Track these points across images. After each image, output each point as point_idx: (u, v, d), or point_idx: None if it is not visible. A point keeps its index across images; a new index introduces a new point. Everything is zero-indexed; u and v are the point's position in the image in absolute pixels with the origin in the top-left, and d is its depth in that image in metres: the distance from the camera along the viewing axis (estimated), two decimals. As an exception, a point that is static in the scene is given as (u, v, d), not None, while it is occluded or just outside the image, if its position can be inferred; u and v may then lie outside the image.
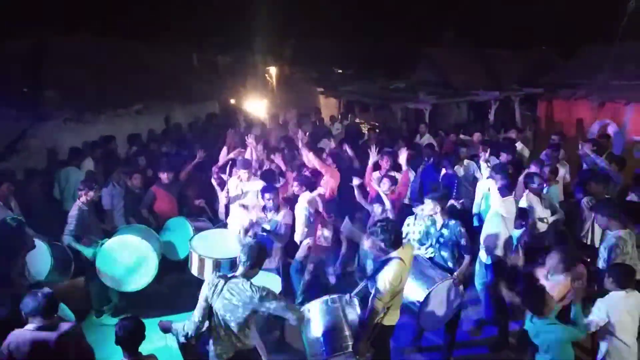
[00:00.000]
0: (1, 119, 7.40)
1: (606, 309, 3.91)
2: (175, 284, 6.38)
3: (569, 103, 11.14)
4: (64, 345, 3.36)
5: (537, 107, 12.27)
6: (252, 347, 3.70)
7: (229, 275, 3.64)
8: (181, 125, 10.50)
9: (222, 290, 3.54)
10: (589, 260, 4.92)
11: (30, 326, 3.37)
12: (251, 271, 3.64)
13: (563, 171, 7.18)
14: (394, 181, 6.21)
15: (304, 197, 6.09)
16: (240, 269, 3.63)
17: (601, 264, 4.62)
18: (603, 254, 4.62)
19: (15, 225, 4.50)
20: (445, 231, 4.93)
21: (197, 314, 3.58)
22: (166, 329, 3.69)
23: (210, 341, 3.61)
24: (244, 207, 6.20)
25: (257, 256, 3.63)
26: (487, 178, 6.00)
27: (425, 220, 5.39)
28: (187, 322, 3.62)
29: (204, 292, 3.59)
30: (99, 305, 5.94)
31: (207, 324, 3.64)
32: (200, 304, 3.58)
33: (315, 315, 4.11)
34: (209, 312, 3.57)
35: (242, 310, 3.50)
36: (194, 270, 5.54)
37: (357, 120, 12.75)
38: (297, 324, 3.74)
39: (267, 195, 5.67)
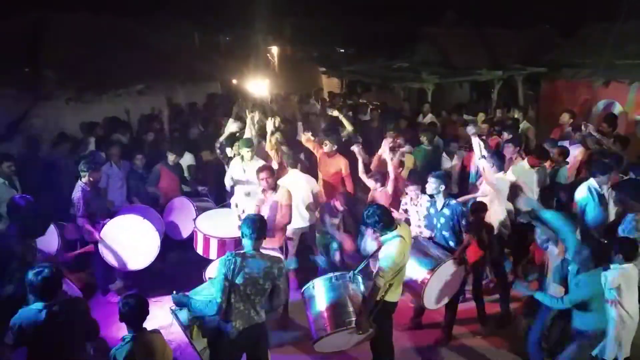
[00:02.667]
0: (2, 98, 7.37)
1: (618, 281, 3.98)
2: (178, 263, 6.46)
3: (572, 82, 11.06)
4: (70, 319, 3.45)
5: (541, 87, 12.18)
6: (264, 321, 3.81)
7: (243, 252, 3.74)
8: (181, 105, 10.50)
9: (241, 265, 3.63)
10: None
11: (38, 304, 3.43)
12: (257, 243, 3.77)
13: (577, 152, 7.05)
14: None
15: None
16: (249, 243, 3.73)
17: None
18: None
19: (27, 204, 4.54)
20: (446, 211, 4.96)
21: (218, 294, 3.59)
22: (181, 303, 3.74)
23: (231, 318, 3.64)
24: (247, 194, 6.19)
25: (259, 227, 3.76)
26: (480, 159, 5.99)
27: (423, 200, 5.46)
28: (206, 302, 3.63)
29: (221, 271, 3.62)
30: (104, 284, 6.02)
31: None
32: (220, 283, 3.60)
33: (320, 292, 4.19)
34: (228, 290, 3.62)
35: (263, 281, 3.66)
36: (199, 250, 5.60)
37: (361, 101, 12.66)
38: (276, 307, 3.94)
39: (261, 175, 5.57)
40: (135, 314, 3.45)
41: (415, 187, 5.62)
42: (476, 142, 5.94)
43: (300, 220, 6.05)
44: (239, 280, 3.62)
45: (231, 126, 7.16)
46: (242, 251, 3.77)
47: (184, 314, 3.80)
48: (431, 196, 5.17)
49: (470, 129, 6.07)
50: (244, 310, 3.66)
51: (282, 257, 5.14)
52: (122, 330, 3.61)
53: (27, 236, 4.30)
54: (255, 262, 3.67)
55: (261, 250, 3.83)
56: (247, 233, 3.72)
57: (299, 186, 6.04)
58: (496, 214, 5.56)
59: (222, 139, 7.13)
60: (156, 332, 3.59)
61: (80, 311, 3.58)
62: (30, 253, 4.28)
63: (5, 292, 3.99)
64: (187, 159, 7.38)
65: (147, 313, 3.52)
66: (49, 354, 3.46)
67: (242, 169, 6.38)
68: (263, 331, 3.84)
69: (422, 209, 5.55)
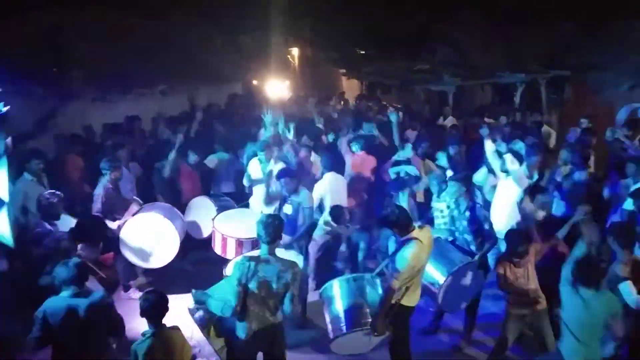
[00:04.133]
0: (30, 98, 7.55)
1: None
2: (199, 261, 6.53)
3: (597, 86, 10.85)
4: (94, 313, 3.52)
5: (564, 90, 11.99)
6: (281, 321, 3.82)
7: (257, 255, 3.74)
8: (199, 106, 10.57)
9: (255, 270, 3.63)
10: None
11: (63, 294, 3.54)
12: (272, 246, 3.74)
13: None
14: None
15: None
16: (264, 246, 3.73)
17: None
18: None
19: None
20: (469, 214, 4.92)
21: (233, 298, 3.62)
22: (200, 301, 3.78)
23: (246, 320, 3.67)
24: (270, 197, 6.21)
25: (274, 230, 3.71)
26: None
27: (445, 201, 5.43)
28: (221, 306, 3.66)
29: (235, 276, 3.65)
30: (126, 280, 6.12)
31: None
32: (235, 288, 3.62)
33: (337, 293, 4.21)
34: (243, 293, 3.64)
35: (276, 285, 3.64)
36: (217, 249, 5.66)
37: (383, 103, 12.62)
38: (288, 314, 3.83)
39: (282, 180, 5.67)
40: (155, 310, 3.51)
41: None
42: (489, 145, 5.93)
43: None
44: (252, 284, 3.63)
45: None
46: (256, 255, 3.77)
47: (201, 313, 3.84)
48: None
49: (485, 131, 6.13)
50: (259, 312, 3.68)
51: (297, 261, 5.15)
52: (143, 327, 3.66)
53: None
54: (269, 266, 3.66)
55: (277, 252, 3.79)
56: (262, 235, 3.70)
57: (333, 189, 6.08)
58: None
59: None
60: (176, 328, 3.64)
61: (104, 305, 3.64)
62: (73, 250, 4.43)
63: (44, 282, 4.11)
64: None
65: (167, 309, 3.57)
66: (72, 347, 3.52)
67: (260, 170, 6.43)
68: (279, 331, 3.85)
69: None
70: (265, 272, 3.64)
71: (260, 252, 3.77)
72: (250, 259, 3.70)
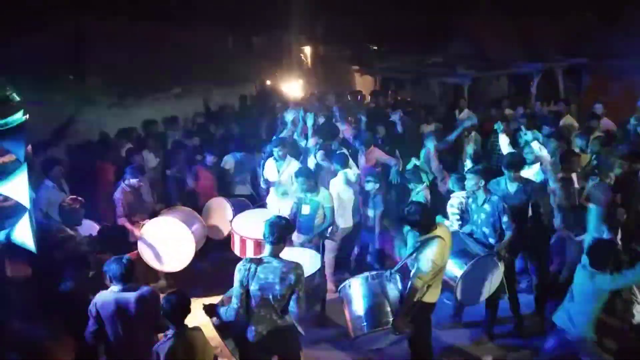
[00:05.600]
0: (48, 105, 7.68)
1: None
2: (218, 263, 6.58)
3: (616, 73, 10.62)
4: (142, 306, 3.69)
5: (582, 79, 11.76)
6: (290, 324, 3.76)
7: (259, 257, 3.71)
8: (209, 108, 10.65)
9: (256, 272, 3.60)
10: None
11: (114, 288, 3.73)
12: (277, 247, 3.68)
13: None
14: None
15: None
16: (267, 248, 3.69)
17: None
18: None
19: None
20: (487, 207, 4.87)
21: (234, 300, 3.64)
22: (211, 313, 3.77)
23: (252, 323, 3.65)
24: (283, 194, 6.23)
25: (280, 231, 3.66)
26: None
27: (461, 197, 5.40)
28: (225, 309, 3.69)
29: (237, 277, 3.65)
30: (145, 283, 6.19)
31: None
32: (237, 290, 3.64)
33: (356, 291, 4.18)
34: (246, 295, 3.64)
35: (279, 287, 3.57)
36: (236, 250, 5.70)
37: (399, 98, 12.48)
38: (296, 317, 3.75)
39: (299, 180, 5.63)
40: (177, 311, 3.55)
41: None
42: (503, 138, 5.90)
43: (343, 221, 6.09)
44: (254, 287, 3.59)
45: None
46: (259, 256, 3.74)
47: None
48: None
49: (499, 126, 6.24)
50: (265, 315, 3.63)
51: (316, 260, 5.17)
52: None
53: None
54: (271, 268, 3.59)
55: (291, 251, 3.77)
56: (267, 236, 3.66)
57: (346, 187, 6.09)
58: None
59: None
60: (197, 329, 3.68)
61: (152, 298, 3.77)
62: (92, 255, 4.54)
63: (64, 287, 4.20)
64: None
65: (189, 310, 3.61)
66: (121, 341, 3.68)
67: (276, 169, 6.45)
68: (290, 335, 3.78)
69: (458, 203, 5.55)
70: (266, 274, 3.59)
71: (264, 253, 3.72)
72: (252, 260, 3.68)
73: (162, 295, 5.49)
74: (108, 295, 3.71)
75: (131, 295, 3.70)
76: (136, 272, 5.94)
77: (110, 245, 5.14)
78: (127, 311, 3.66)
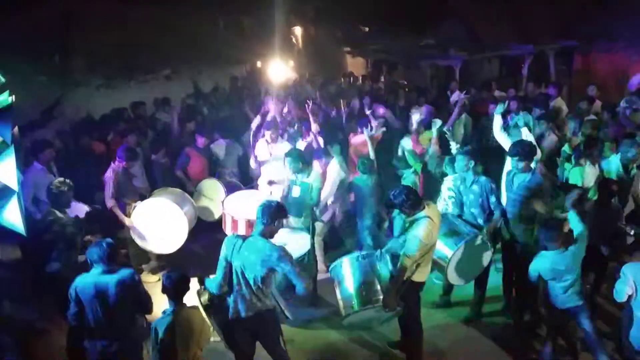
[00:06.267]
0: (35, 86, 7.58)
1: (632, 278, 3.78)
2: (209, 244, 6.56)
3: (607, 55, 10.65)
4: (122, 290, 3.65)
5: (573, 61, 11.78)
6: (271, 307, 3.80)
7: (247, 235, 3.75)
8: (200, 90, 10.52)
9: (240, 248, 3.65)
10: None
11: (94, 271, 3.69)
12: (268, 229, 3.71)
13: None
14: None
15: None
16: (257, 227, 3.72)
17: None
18: None
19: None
20: (475, 187, 4.90)
21: (219, 272, 3.72)
22: (201, 280, 3.86)
23: (231, 299, 3.72)
24: (270, 183, 6.21)
25: (273, 214, 3.69)
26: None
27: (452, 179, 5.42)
28: (211, 279, 3.76)
29: (223, 251, 3.72)
30: (138, 264, 6.20)
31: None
32: (221, 262, 3.72)
33: (347, 270, 4.23)
34: (229, 271, 3.69)
35: (260, 267, 3.59)
36: (228, 231, 5.70)
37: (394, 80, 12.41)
38: (303, 293, 3.77)
39: (288, 160, 5.64)
40: (177, 288, 3.62)
41: None
42: (498, 119, 5.87)
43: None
44: (236, 262, 3.65)
45: None
46: (248, 235, 3.78)
47: (205, 296, 3.88)
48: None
49: (499, 109, 5.98)
50: (244, 295, 3.67)
51: (306, 241, 5.22)
52: (157, 310, 3.80)
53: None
54: (255, 246, 3.62)
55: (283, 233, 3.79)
56: (259, 216, 3.70)
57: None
58: None
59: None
60: (195, 307, 3.74)
61: (133, 282, 3.74)
62: (79, 236, 4.50)
63: (51, 269, 4.20)
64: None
65: (189, 288, 3.69)
66: (101, 323, 3.66)
67: (267, 151, 6.43)
68: (269, 318, 3.80)
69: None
70: (250, 252, 3.61)
71: (253, 231, 3.75)
72: (239, 236, 3.74)
73: (155, 277, 5.56)
74: (87, 278, 3.68)
75: (111, 279, 3.65)
76: (128, 253, 6.02)
77: (99, 226, 5.12)
78: (106, 294, 3.63)
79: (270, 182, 6.25)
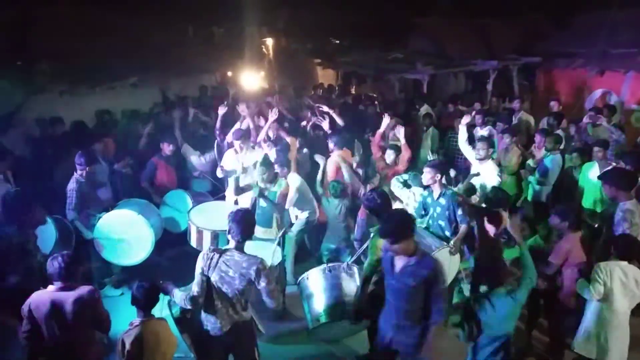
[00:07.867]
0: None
1: (604, 278, 3.92)
2: (176, 256, 6.45)
3: (567, 72, 11.07)
4: (80, 307, 3.46)
5: (536, 77, 12.18)
6: (248, 319, 3.74)
7: (224, 248, 3.66)
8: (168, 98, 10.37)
9: (217, 262, 3.57)
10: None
11: (50, 287, 3.51)
12: (243, 241, 3.64)
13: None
14: (398, 152, 6.31)
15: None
16: (232, 241, 3.65)
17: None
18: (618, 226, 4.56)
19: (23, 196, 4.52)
20: (442, 200, 4.97)
21: (195, 287, 3.60)
22: (166, 291, 3.72)
23: (206, 314, 3.64)
24: (238, 192, 6.09)
25: (244, 225, 3.60)
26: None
27: (419, 190, 5.48)
28: (184, 295, 3.64)
29: (200, 265, 3.63)
30: (100, 277, 6.02)
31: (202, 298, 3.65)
32: (197, 277, 3.61)
33: (314, 283, 4.21)
34: (206, 284, 3.60)
35: (239, 281, 3.54)
36: (193, 242, 5.60)
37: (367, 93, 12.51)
38: (274, 308, 3.76)
39: (260, 169, 5.61)
40: (147, 299, 3.55)
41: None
42: (463, 130, 6.03)
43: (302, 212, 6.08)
44: (214, 277, 3.57)
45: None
46: (222, 247, 3.69)
47: (177, 308, 3.80)
48: (427, 186, 5.18)
49: (465, 119, 6.25)
50: (222, 308, 3.60)
51: (276, 253, 5.13)
52: (121, 324, 3.69)
53: (25, 226, 4.29)
54: (232, 261, 3.55)
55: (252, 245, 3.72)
56: (234, 231, 3.59)
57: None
58: None
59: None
60: (162, 319, 3.66)
61: (91, 299, 3.54)
62: (30, 243, 4.28)
63: (10, 282, 4.00)
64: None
65: (158, 300, 3.61)
66: (58, 341, 3.48)
67: (236, 160, 6.36)
68: (246, 329, 3.75)
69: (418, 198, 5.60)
70: (227, 267, 3.55)
71: (230, 244, 3.67)
72: (214, 250, 3.65)
73: (118, 291, 5.35)
74: (43, 295, 3.48)
75: (68, 295, 3.45)
76: (89, 266, 5.81)
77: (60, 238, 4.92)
78: (63, 311, 3.43)
79: (238, 192, 6.17)
